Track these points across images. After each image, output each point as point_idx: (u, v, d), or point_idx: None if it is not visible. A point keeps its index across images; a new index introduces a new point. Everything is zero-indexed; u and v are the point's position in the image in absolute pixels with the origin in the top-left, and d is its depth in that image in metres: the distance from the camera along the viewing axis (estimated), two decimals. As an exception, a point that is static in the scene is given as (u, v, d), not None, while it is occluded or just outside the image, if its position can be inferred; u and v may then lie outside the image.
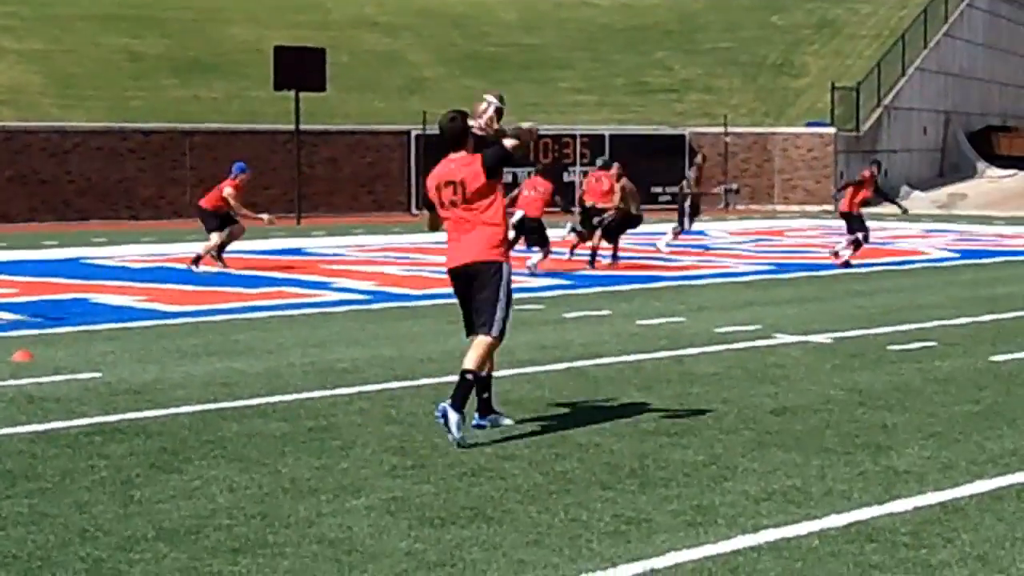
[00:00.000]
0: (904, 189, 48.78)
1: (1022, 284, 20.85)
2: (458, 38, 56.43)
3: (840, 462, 8.77)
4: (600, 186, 25.14)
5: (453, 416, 9.28)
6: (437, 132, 10.25)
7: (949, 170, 53.65)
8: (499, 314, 9.81)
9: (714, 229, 34.18)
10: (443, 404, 9.41)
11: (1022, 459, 8.86)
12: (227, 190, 23.75)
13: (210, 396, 11.03)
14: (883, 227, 35.04)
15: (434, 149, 39.38)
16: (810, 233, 32.89)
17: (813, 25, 59.61)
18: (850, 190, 24.71)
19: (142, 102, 43.43)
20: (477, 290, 9.92)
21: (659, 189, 45.39)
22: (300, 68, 37.18)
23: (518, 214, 23.19)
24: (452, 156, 10.08)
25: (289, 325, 15.71)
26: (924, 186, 48.98)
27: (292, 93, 37.09)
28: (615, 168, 25.44)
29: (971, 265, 24.68)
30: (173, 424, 9.96)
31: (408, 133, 42.19)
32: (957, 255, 26.60)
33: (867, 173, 25.02)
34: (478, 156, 9.98)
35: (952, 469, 8.59)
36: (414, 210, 41.52)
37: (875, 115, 49.15)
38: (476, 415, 9.92)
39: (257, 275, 21.75)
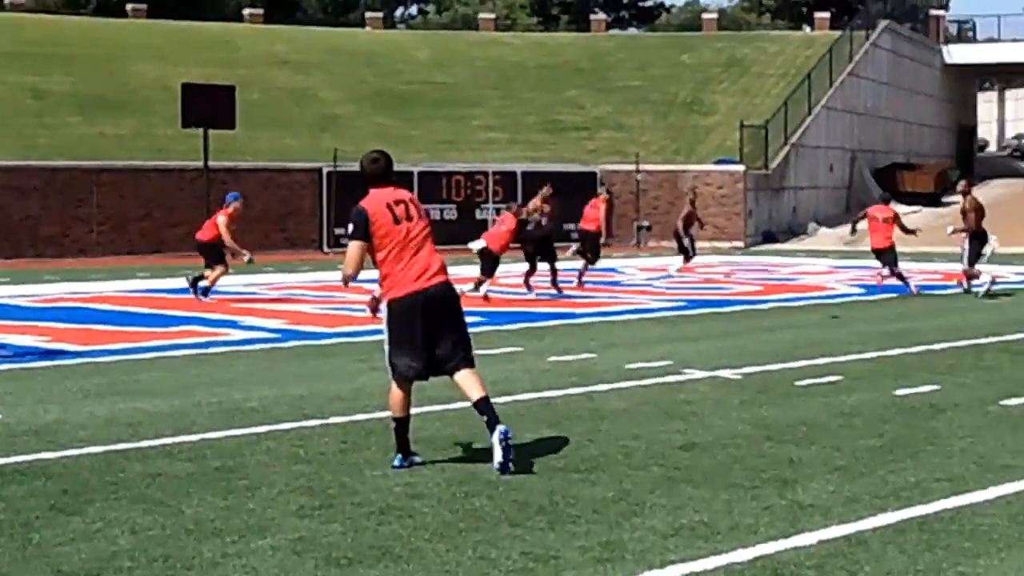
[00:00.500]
0: (812, 226, 49.36)
1: (925, 319, 21.11)
2: (369, 76, 56.46)
3: (747, 496, 8.82)
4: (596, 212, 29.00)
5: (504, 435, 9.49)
6: (359, 171, 10.11)
7: (855, 206, 54.25)
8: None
9: (626, 266, 34.36)
10: (502, 428, 9.50)
11: (924, 492, 8.95)
12: (221, 219, 23.81)
13: (113, 437, 10.90)
14: (790, 263, 35.39)
15: (347, 186, 39.25)
16: (720, 269, 33.12)
17: (722, 64, 60.25)
18: (882, 226, 26.37)
19: (47, 139, 43.07)
20: (451, 316, 9.81)
21: (571, 226, 45.53)
22: (209, 105, 36.98)
23: (479, 243, 24.22)
24: (380, 188, 9.93)
25: (196, 364, 15.57)
26: (831, 222, 49.52)
27: (201, 131, 36.86)
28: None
29: (876, 300, 24.96)
30: (75, 465, 9.82)
31: (319, 170, 42.13)
32: (863, 290, 26.89)
33: (890, 211, 26.73)
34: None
35: (856, 502, 8.66)
36: (326, 248, 41.42)
37: (783, 152, 49.72)
38: (399, 457, 9.83)
39: (164, 314, 21.56)
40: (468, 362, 9.89)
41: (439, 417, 11.85)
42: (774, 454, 10.19)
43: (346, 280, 9.97)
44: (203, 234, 24.14)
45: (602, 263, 30.57)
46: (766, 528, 8.05)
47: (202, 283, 23.81)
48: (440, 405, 12.40)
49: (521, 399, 12.87)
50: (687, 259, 30.64)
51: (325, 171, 41.91)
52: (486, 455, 9.99)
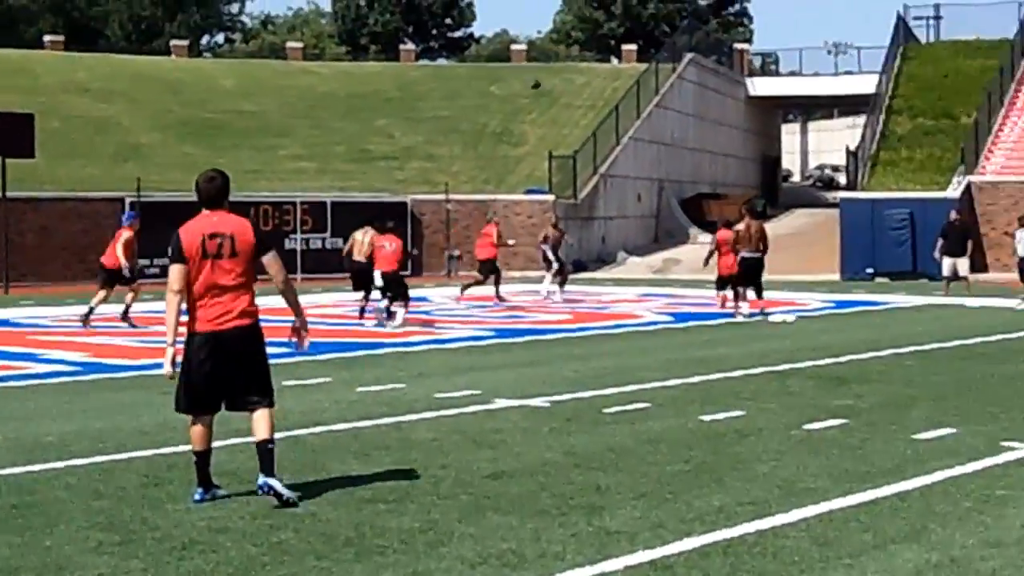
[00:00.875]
0: (620, 255, 49.97)
1: (731, 345, 21.49)
2: (174, 104, 55.78)
3: (555, 524, 8.86)
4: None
5: (274, 481, 9.35)
6: (195, 192, 9.86)
7: (663, 236, 55.18)
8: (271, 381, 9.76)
9: (436, 295, 34.38)
10: (262, 479, 9.37)
11: (728, 516, 9.09)
12: (125, 235, 24.15)
13: (-94, 474, 10.56)
14: (599, 292, 35.77)
15: (151, 216, 38.63)
16: (530, 298, 33.32)
17: (531, 95, 60.76)
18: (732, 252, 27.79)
19: None
20: (246, 358, 9.66)
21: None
22: (7, 134, 36.13)
23: (376, 274, 25.03)
24: (209, 212, 9.70)
25: (-6, 399, 15.17)
26: (639, 251, 50.24)
27: (-1, 159, 36.02)
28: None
29: (683, 328, 25.35)
30: None
31: (122, 200, 41.35)
32: (671, 318, 27.29)
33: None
34: (247, 221, 9.83)
35: (662, 527, 8.76)
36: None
37: (592, 182, 50.28)
38: (199, 490, 9.68)
39: (-38, 348, 20.97)
40: (262, 403, 9.74)
41: (243, 450, 11.70)
42: (582, 481, 10.27)
43: (173, 302, 9.56)
44: (107, 259, 24.62)
45: (413, 293, 30.52)
46: (573, 555, 8.10)
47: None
48: (244, 438, 12.24)
49: (329, 430, 12.78)
50: (562, 277, 33.25)
51: (128, 201, 41.20)
52: (292, 488, 9.89)
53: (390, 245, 25.30)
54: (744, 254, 27.34)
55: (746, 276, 27.38)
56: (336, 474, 10.57)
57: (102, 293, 24.57)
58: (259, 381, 9.75)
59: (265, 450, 9.58)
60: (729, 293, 27.94)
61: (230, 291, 9.64)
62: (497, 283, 31.94)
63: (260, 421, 9.69)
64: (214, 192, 9.72)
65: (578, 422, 13.22)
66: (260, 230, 9.89)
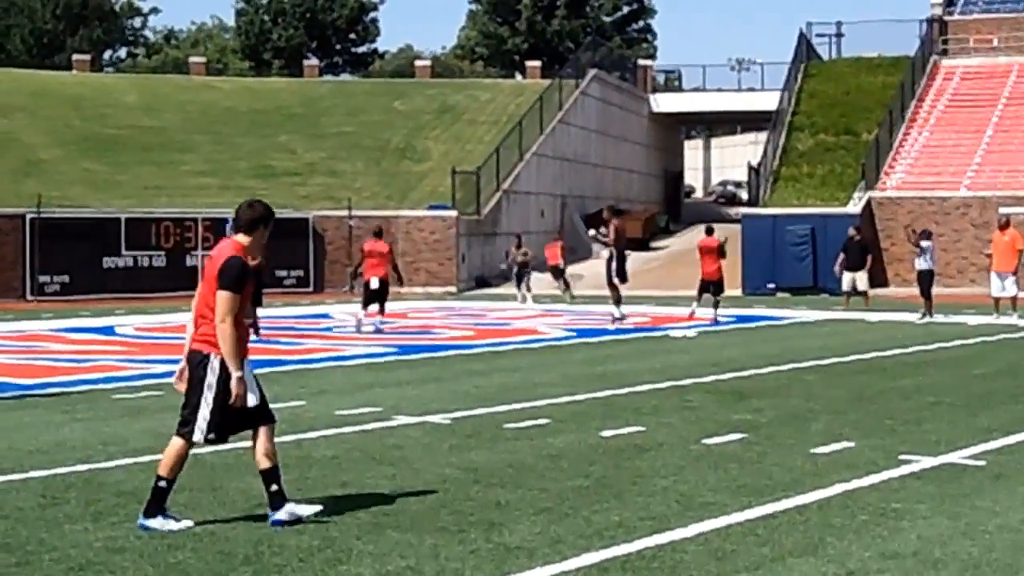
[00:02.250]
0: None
1: (631, 361, 21.62)
2: (75, 119, 55.23)
3: (454, 540, 8.88)
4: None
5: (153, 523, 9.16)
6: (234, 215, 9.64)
7: (566, 251, 55.25)
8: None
9: (338, 312, 34.27)
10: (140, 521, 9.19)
11: (628, 531, 9.16)
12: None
13: None
14: (501, 308, 35.86)
15: (52, 233, 38.04)
16: (434, 314, 33.33)
17: (434, 111, 60.83)
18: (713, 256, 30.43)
19: None
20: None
21: (283, 272, 45.40)
22: (-96, 149, 35.61)
23: (374, 281, 26.54)
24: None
25: None
26: (542, 267, 50.26)
27: None
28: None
29: (585, 343, 25.46)
30: None
31: (23, 217, 40.88)
32: (573, 334, 27.40)
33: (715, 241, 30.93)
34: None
35: (561, 543, 8.80)
36: (29, 296, 40.24)
37: (495, 198, 50.38)
38: (271, 511, 9.42)
39: None
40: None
41: (142, 468, 11.61)
42: (481, 497, 10.29)
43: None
44: None
45: (313, 309, 30.48)
46: (472, 571, 8.12)
47: None
48: (147, 456, 12.17)
49: (228, 448, 12.65)
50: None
51: (29, 217, 40.74)
52: (191, 507, 9.83)
53: (381, 253, 27.08)
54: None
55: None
56: (235, 492, 10.52)
57: None
58: (187, 407, 9.50)
59: (158, 480, 9.46)
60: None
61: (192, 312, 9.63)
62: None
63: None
64: (239, 222, 9.52)
65: (478, 438, 13.25)
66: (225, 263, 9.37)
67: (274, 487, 9.36)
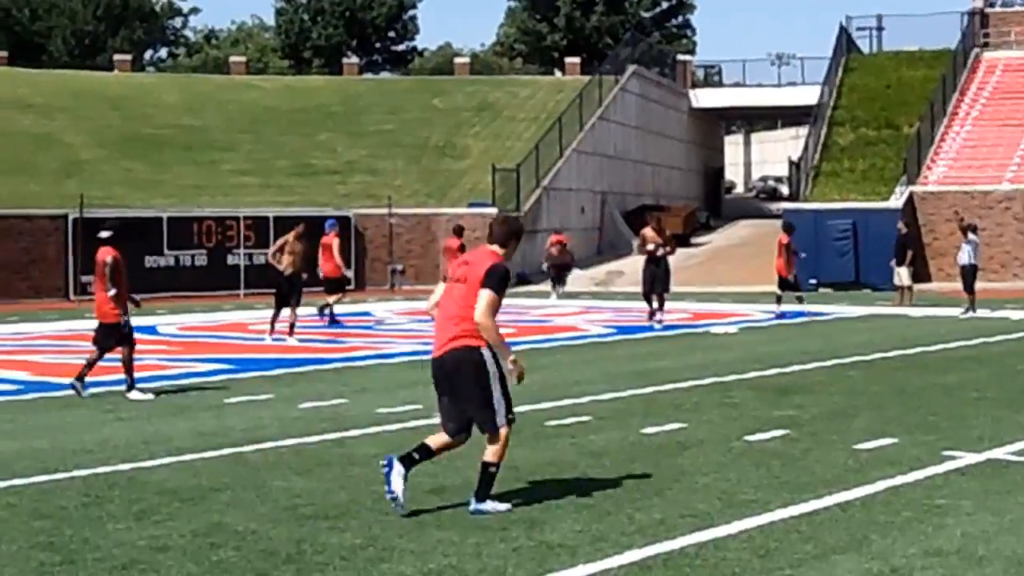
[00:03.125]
0: (564, 267, 49.95)
1: (672, 358, 21.58)
2: (116, 120, 55.49)
3: (496, 538, 8.88)
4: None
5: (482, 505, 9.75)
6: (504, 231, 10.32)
7: (606, 248, 55.28)
8: None
9: (379, 309, 34.33)
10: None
11: (669, 528, 9.14)
12: (335, 242, 28.15)
13: None
14: (542, 305, 35.84)
15: (93, 233, 38.40)
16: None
17: (473, 108, 60.82)
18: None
19: None
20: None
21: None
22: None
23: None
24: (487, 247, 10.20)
25: (-67, 419, 15.04)
26: (583, 264, 50.23)
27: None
28: None
29: (626, 340, 25.42)
30: None
31: (65, 217, 41.10)
32: (613, 331, 27.36)
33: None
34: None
35: (603, 541, 8.79)
36: (72, 296, 40.46)
37: (535, 195, 50.32)
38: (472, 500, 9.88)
39: (-100, 367, 20.79)
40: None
41: (185, 467, 11.67)
42: (523, 495, 10.29)
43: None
44: (329, 269, 28.30)
45: (356, 307, 30.55)
46: (514, 569, 8.12)
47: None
48: (189, 455, 12.23)
49: (271, 446, 12.75)
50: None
51: (71, 217, 40.96)
52: (234, 506, 9.87)
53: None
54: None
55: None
56: (277, 491, 10.56)
57: (333, 298, 28.40)
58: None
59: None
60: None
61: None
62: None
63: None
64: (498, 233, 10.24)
65: (520, 436, 13.21)
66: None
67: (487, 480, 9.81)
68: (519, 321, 29.95)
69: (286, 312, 24.70)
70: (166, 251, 42.43)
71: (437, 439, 9.97)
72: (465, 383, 9.77)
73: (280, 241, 25.63)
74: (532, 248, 47.97)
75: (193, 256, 43.29)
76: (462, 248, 29.40)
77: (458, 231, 28.49)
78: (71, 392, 16.93)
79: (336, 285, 28.65)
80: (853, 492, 10.35)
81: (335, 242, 28.49)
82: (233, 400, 16.40)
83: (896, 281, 34.56)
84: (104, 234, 17.45)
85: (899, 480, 10.82)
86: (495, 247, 10.13)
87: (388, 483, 9.53)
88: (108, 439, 13.25)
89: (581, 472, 11.26)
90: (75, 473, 11.43)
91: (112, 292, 16.88)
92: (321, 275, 28.37)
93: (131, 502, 10.11)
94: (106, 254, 17.06)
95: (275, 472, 11.39)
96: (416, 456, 9.78)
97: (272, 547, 8.74)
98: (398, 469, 9.57)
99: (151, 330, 28.17)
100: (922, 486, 10.60)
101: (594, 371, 19.51)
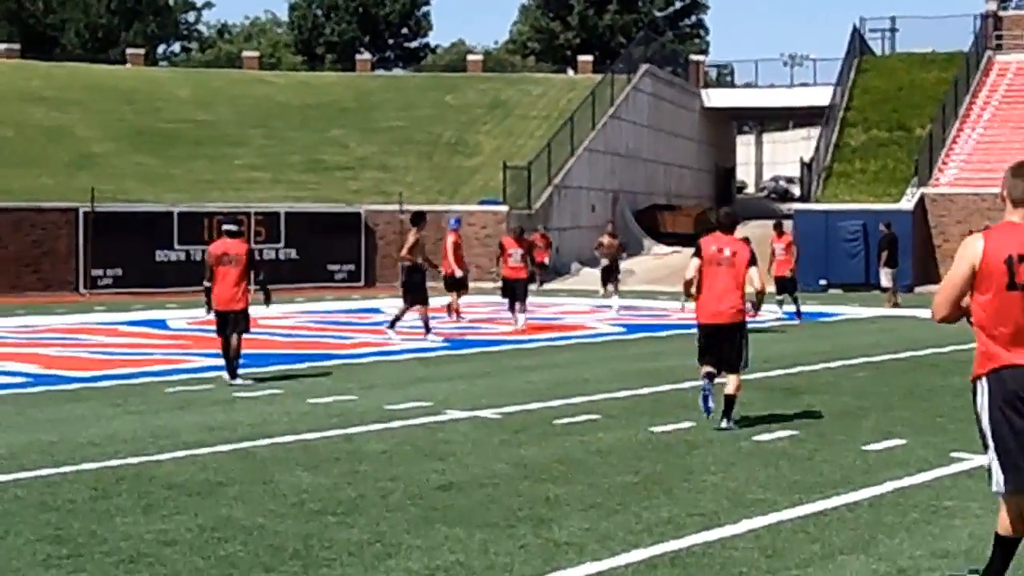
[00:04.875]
0: (575, 265, 50.03)
1: (682, 357, 21.46)
2: (129, 113, 55.55)
3: (503, 535, 8.88)
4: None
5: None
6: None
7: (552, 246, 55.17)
8: None
9: (388, 306, 34.29)
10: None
11: (677, 527, 9.13)
12: (451, 239, 28.49)
13: None
14: (553, 303, 35.82)
15: (105, 227, 38.23)
16: (483, 309, 33.32)
17: (486, 105, 60.81)
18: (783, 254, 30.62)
19: None
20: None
21: (335, 267, 45.53)
22: (-40, 143, 35.88)
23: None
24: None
25: (-58, 410, 15.07)
26: (594, 263, 50.19)
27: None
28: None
29: (636, 339, 25.41)
30: None
31: (76, 210, 41.13)
32: (623, 329, 27.34)
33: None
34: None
35: (610, 539, 8.79)
36: (82, 289, 40.51)
37: (546, 193, 50.28)
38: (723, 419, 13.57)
39: (-90, 358, 20.82)
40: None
41: (193, 461, 11.68)
42: (531, 493, 10.29)
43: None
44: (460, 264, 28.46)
45: (365, 303, 30.53)
46: (521, 566, 8.12)
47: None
48: (197, 449, 12.24)
49: (279, 442, 12.76)
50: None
51: (82, 211, 40.99)
52: (241, 500, 9.87)
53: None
54: None
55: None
56: (285, 486, 10.56)
57: (451, 297, 28.84)
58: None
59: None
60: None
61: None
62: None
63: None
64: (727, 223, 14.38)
65: (528, 434, 13.25)
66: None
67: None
68: (529, 319, 29.90)
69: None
70: (176, 246, 42.43)
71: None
72: (736, 337, 13.88)
73: (411, 240, 25.17)
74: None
75: (203, 251, 43.20)
76: (528, 249, 28.71)
77: (517, 233, 28.15)
78: (79, 385, 16.94)
79: (450, 283, 28.80)
80: (861, 493, 10.34)
81: (449, 240, 28.96)
82: (242, 395, 16.41)
83: (883, 283, 34.83)
84: (231, 227, 18.69)
85: (907, 481, 10.80)
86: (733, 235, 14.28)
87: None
88: (116, 433, 13.26)
89: (589, 470, 11.26)
90: (83, 466, 11.44)
91: (261, 276, 18.61)
92: (443, 273, 28.46)
93: (139, 496, 10.12)
94: (244, 247, 18.28)
95: (283, 467, 11.40)
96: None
97: (279, 542, 8.74)
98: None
99: (161, 324, 28.20)
100: (930, 487, 10.59)
101: (603, 369, 19.50)
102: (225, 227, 18.89)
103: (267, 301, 19.11)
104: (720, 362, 13.72)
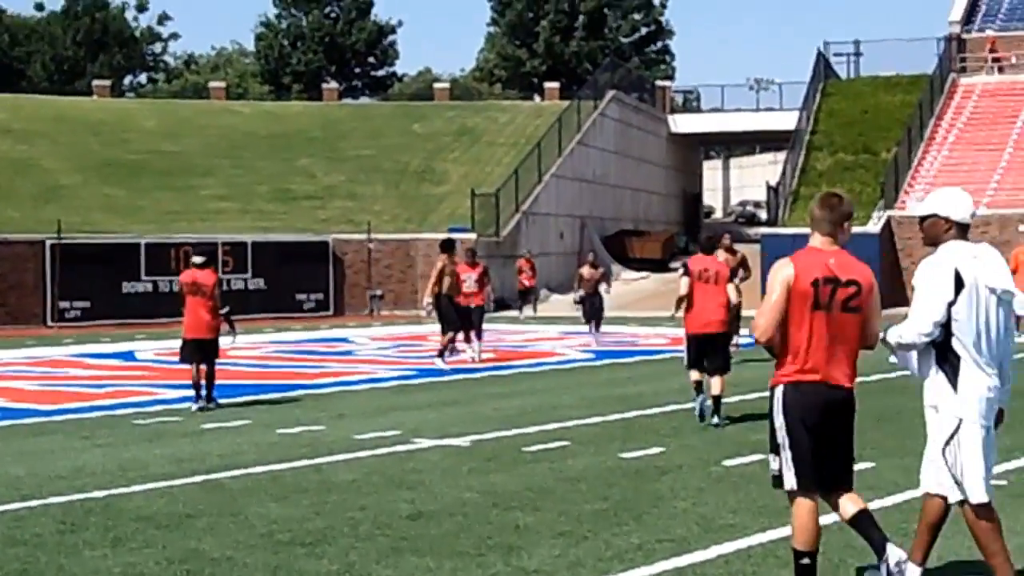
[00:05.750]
0: (543, 292, 50.06)
1: (652, 382, 21.57)
2: (95, 145, 55.42)
3: (473, 564, 8.85)
4: None
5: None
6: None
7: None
8: None
9: (357, 335, 34.27)
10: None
11: (647, 554, 9.11)
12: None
13: None
14: (521, 330, 35.82)
15: (72, 259, 38.19)
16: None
17: (453, 133, 60.90)
18: None
19: None
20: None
21: (304, 296, 45.44)
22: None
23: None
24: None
25: (-92, 445, 14.96)
26: (562, 289, 50.26)
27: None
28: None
29: (606, 365, 25.42)
30: None
31: (43, 243, 41.01)
32: (593, 356, 27.35)
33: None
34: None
35: (580, 566, 8.77)
36: (50, 322, 40.35)
37: (514, 220, 50.36)
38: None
39: None
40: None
41: (162, 493, 11.62)
42: (501, 521, 10.27)
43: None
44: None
45: (334, 333, 30.47)
46: (491, 595, 8.09)
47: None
48: (166, 481, 12.18)
49: (248, 472, 12.71)
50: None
51: (49, 243, 40.86)
52: (210, 532, 9.82)
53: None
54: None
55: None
56: (254, 517, 10.51)
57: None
58: None
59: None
60: None
61: None
62: None
63: None
64: (708, 246, 16.08)
65: (498, 461, 13.23)
66: None
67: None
68: (499, 346, 29.93)
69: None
70: (144, 277, 42.32)
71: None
72: (722, 344, 16.46)
73: (437, 269, 24.93)
74: (511, 273, 47.99)
75: (171, 282, 43.07)
76: (483, 273, 27.67)
77: (470, 257, 26.76)
78: (47, 419, 16.86)
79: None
80: (831, 516, 10.31)
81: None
82: (210, 426, 16.35)
83: None
84: (198, 259, 19.04)
85: (877, 504, 10.79)
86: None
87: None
88: (84, 466, 13.20)
89: (558, 497, 11.24)
90: (50, 500, 11.37)
91: (226, 309, 18.66)
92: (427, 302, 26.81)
93: (107, 529, 10.06)
94: (213, 276, 18.65)
95: (252, 498, 11.35)
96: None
97: (248, 574, 8.70)
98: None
99: (129, 356, 28.12)
100: (900, 510, 10.60)
101: (573, 396, 19.50)
102: (193, 259, 19.23)
103: (232, 333, 19.12)
104: (709, 367, 15.89)
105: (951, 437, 8.09)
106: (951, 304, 7.79)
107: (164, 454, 13.94)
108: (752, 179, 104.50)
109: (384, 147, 58.64)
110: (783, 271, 7.68)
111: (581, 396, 19.49)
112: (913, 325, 7.86)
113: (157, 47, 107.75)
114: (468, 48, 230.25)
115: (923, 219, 8.27)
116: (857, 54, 65.33)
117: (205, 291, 18.40)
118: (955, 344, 7.88)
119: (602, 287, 30.54)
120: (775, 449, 7.84)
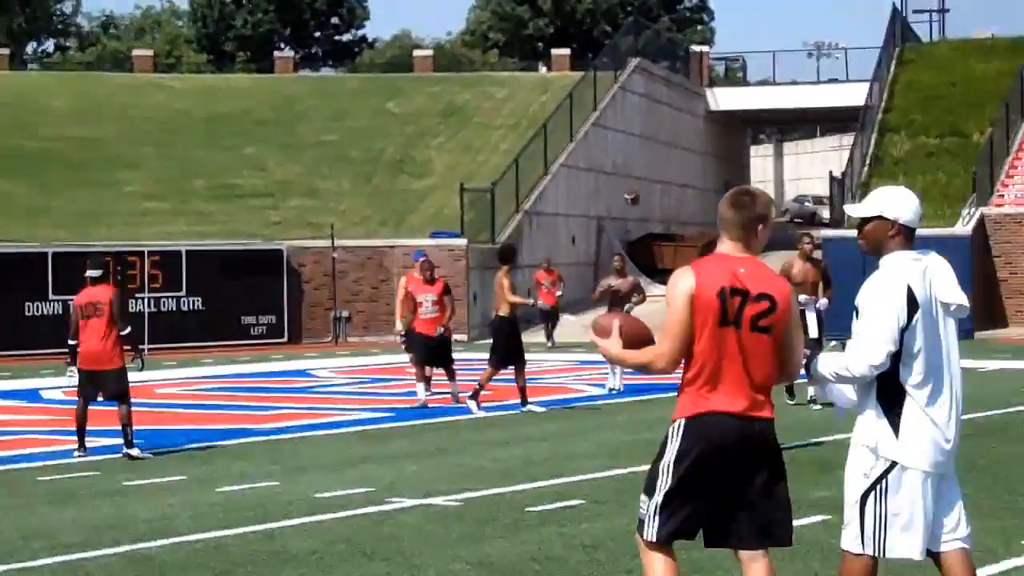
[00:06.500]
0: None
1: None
2: (-9, 130, 55.48)
3: (463, 656, 8.90)
4: None
5: None
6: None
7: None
8: None
9: (319, 368, 34.32)
10: None
11: (680, 641, 9.14)
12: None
13: None
14: (528, 360, 35.80)
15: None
16: (439, 369, 33.32)
17: (438, 113, 61.04)
18: None
19: None
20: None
21: (251, 319, 45.37)
22: None
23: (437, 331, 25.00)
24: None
25: None
26: (575, 309, 50.26)
27: None
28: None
29: (631, 403, 25.44)
30: None
31: (-73, 252, 41.02)
32: (615, 391, 27.36)
33: None
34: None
35: (597, 658, 8.82)
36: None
37: (514, 222, 50.29)
38: None
39: None
40: None
41: (78, 567, 11.66)
42: (498, 600, 10.32)
43: None
44: None
45: (290, 365, 30.48)
46: None
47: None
48: (79, 553, 12.22)
49: (182, 541, 12.75)
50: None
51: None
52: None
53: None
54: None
55: None
56: (190, 598, 10.57)
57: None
58: None
59: None
60: None
61: None
62: None
63: None
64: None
65: (495, 525, 13.27)
66: None
67: None
68: (497, 380, 29.92)
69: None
70: (51, 296, 42.31)
71: None
72: None
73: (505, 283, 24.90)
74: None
75: (86, 301, 43.18)
76: (444, 291, 27.08)
77: (428, 271, 26.48)
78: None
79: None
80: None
81: (403, 282, 26.39)
82: (135, 483, 16.39)
83: None
84: (94, 273, 19.28)
85: (982, 572, 10.83)
86: None
87: None
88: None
89: (572, 570, 11.29)
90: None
91: (127, 330, 18.90)
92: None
93: None
94: (110, 292, 18.93)
95: (187, 574, 11.39)
96: None
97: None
98: None
99: (33, 395, 28.17)
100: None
101: (589, 442, 19.56)
102: (88, 273, 19.43)
103: (137, 359, 19.50)
104: None
105: (877, 481, 8.14)
106: (903, 330, 7.80)
107: (77, 519, 13.97)
108: (811, 169, 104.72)
109: (352, 131, 58.76)
110: (683, 281, 7.88)
111: (599, 442, 19.54)
112: (862, 355, 7.83)
113: (67, 6, 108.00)
114: (456, 6, 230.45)
115: (864, 222, 8.16)
116: (943, 11, 65.59)
117: (102, 310, 18.60)
118: (903, 375, 7.91)
119: (633, 298, 27.82)
120: (649, 490, 7.99)
